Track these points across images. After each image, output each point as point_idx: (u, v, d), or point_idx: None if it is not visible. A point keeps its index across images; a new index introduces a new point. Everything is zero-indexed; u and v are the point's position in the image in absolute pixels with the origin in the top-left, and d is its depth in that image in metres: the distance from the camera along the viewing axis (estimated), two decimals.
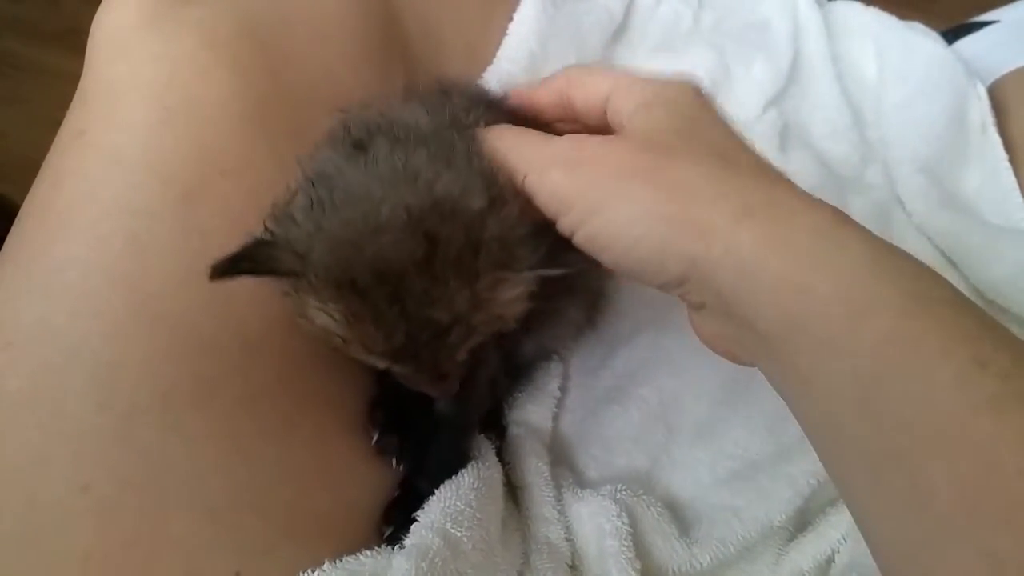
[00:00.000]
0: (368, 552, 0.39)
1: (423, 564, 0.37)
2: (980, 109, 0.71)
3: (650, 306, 0.58)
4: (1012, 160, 0.69)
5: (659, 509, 0.49)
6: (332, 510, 0.41)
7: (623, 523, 0.46)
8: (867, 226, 0.68)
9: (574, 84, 0.42)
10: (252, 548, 0.37)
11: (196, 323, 0.39)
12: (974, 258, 0.64)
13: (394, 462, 0.44)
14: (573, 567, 0.47)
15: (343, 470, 0.43)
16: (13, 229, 0.41)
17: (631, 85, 0.40)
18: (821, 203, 0.34)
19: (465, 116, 0.40)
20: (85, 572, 0.33)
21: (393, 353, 0.35)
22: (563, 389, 0.56)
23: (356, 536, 0.41)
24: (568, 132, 0.40)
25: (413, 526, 0.40)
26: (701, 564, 0.47)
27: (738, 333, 0.35)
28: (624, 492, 0.49)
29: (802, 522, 0.51)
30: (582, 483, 0.52)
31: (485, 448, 0.49)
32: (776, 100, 0.74)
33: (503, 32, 0.65)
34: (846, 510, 0.38)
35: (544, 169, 0.36)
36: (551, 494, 0.49)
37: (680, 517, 0.50)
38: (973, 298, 0.63)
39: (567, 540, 0.47)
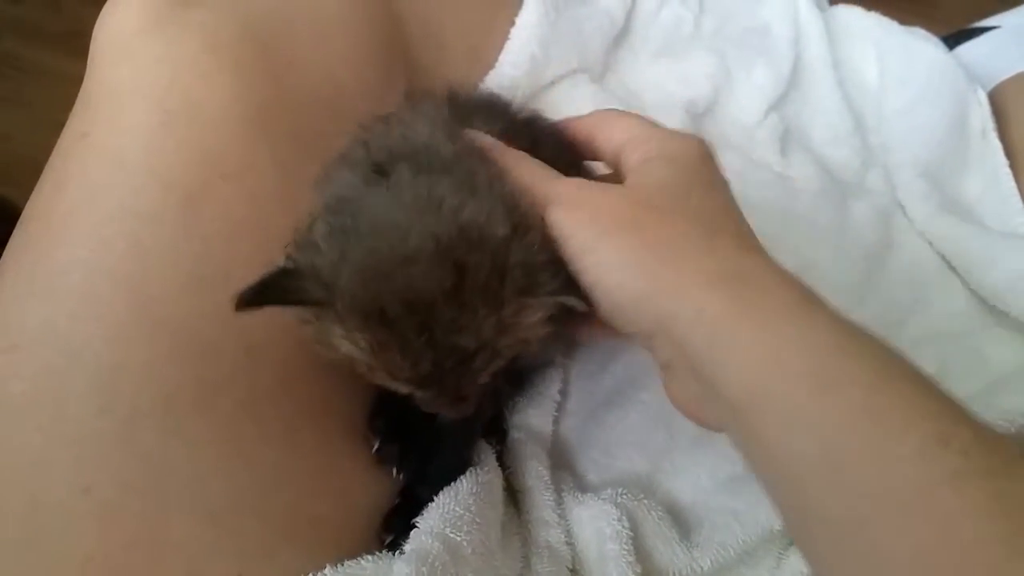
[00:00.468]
0: (368, 557, 0.39)
1: (423, 569, 0.37)
2: (981, 114, 0.71)
3: None
4: (1012, 165, 0.69)
5: (660, 513, 0.49)
6: (333, 515, 0.41)
7: (624, 527, 0.46)
8: (868, 231, 0.69)
9: (600, 125, 0.44)
10: (253, 552, 0.37)
11: (198, 327, 0.39)
12: (974, 263, 0.64)
13: (394, 471, 0.44)
14: (573, 571, 0.47)
15: (344, 475, 0.43)
16: (16, 231, 0.41)
17: (643, 138, 0.41)
18: (793, 278, 0.35)
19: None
20: (86, 574, 0.33)
21: (418, 380, 0.36)
22: (564, 393, 0.56)
23: (356, 541, 0.41)
24: None
25: (413, 532, 0.40)
26: (702, 568, 0.47)
27: (702, 396, 0.37)
28: (625, 496, 0.49)
29: None
30: (582, 487, 0.52)
31: (485, 453, 0.49)
32: (777, 105, 0.75)
33: (505, 36, 0.65)
34: None
35: (548, 205, 0.37)
36: (551, 498, 0.49)
37: (681, 521, 0.50)
38: (974, 303, 0.64)
39: (567, 544, 0.47)
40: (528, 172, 0.39)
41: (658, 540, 0.48)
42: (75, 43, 0.54)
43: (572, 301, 0.36)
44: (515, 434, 0.53)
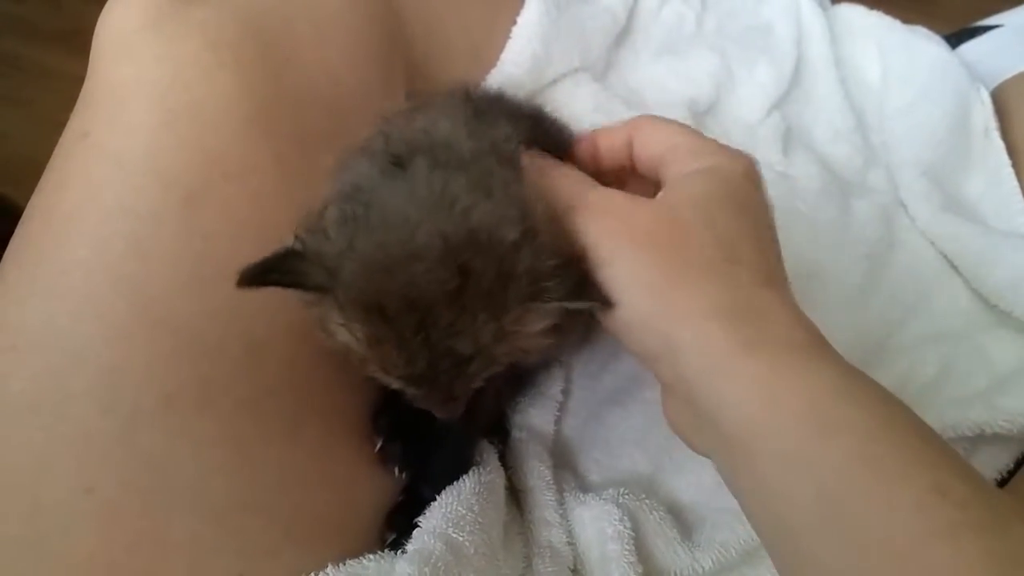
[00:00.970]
0: (371, 556, 0.39)
1: (426, 569, 0.37)
2: (983, 113, 0.71)
3: None
4: (1014, 164, 0.69)
5: (661, 513, 0.49)
6: (335, 514, 0.41)
7: (625, 527, 0.46)
8: (870, 230, 0.69)
9: (640, 132, 0.43)
10: (255, 551, 0.37)
11: (199, 326, 0.39)
12: (976, 262, 0.64)
13: (396, 470, 0.44)
14: (575, 571, 0.47)
15: (346, 474, 0.43)
16: (17, 231, 0.41)
17: (688, 148, 0.40)
18: (804, 318, 0.35)
19: (506, 144, 0.40)
20: (89, 574, 0.33)
21: (411, 377, 0.35)
22: (565, 393, 0.56)
23: (359, 540, 0.41)
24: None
25: (415, 531, 0.40)
26: (703, 568, 0.47)
27: (697, 423, 0.36)
28: (626, 496, 0.49)
29: None
30: (584, 487, 0.52)
31: (487, 453, 0.49)
32: (779, 103, 0.74)
33: (506, 34, 0.65)
34: None
35: (577, 210, 0.37)
36: (553, 498, 0.49)
37: (682, 521, 0.50)
38: (975, 302, 0.64)
39: (569, 544, 0.47)
40: (564, 177, 0.39)
41: (659, 540, 0.48)
42: (75, 41, 0.54)
43: (576, 306, 0.35)
44: (517, 434, 0.53)
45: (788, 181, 0.69)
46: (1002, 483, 0.53)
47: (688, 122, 0.70)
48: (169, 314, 0.38)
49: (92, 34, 0.44)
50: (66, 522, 0.34)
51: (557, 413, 0.55)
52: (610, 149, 0.45)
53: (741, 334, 0.33)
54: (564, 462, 0.54)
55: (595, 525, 0.47)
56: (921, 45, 0.76)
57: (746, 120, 0.73)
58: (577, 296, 0.35)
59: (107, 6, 0.44)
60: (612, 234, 0.36)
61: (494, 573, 0.41)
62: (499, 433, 0.53)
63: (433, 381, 0.35)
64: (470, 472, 0.45)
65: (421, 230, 0.33)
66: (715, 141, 0.41)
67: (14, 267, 0.40)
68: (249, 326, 0.40)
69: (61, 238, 0.39)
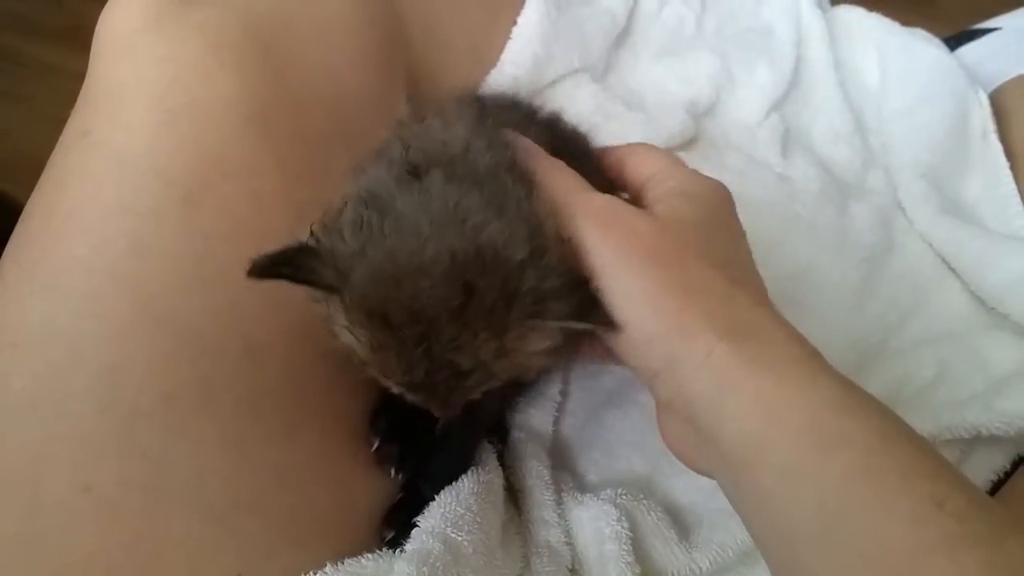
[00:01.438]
0: (369, 555, 0.39)
1: (424, 568, 0.37)
2: (981, 116, 0.71)
3: None
4: (1013, 167, 0.69)
5: (659, 513, 0.49)
6: (333, 513, 0.41)
7: (623, 527, 0.46)
8: (868, 232, 0.69)
9: (632, 156, 0.45)
10: (253, 550, 0.37)
11: (199, 325, 0.39)
12: (974, 264, 0.64)
13: (393, 471, 0.44)
14: (573, 571, 0.47)
15: (345, 474, 0.43)
16: (17, 229, 0.41)
17: (668, 173, 0.42)
18: (800, 336, 0.36)
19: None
20: (87, 573, 0.33)
21: (409, 384, 0.36)
22: (564, 393, 0.56)
23: (357, 539, 0.41)
24: None
25: (414, 531, 0.40)
26: (700, 568, 0.47)
27: (697, 441, 0.37)
28: (624, 496, 0.49)
29: None
30: (582, 487, 0.52)
31: (486, 452, 0.49)
32: (779, 105, 0.75)
33: (507, 35, 0.65)
34: None
35: (576, 217, 0.37)
36: (551, 498, 0.49)
37: (680, 521, 0.50)
38: (973, 305, 0.64)
39: (567, 544, 0.47)
40: (562, 181, 0.39)
41: (657, 540, 0.48)
42: (76, 38, 0.54)
43: (580, 326, 0.36)
44: (516, 434, 0.53)
45: (787, 183, 0.69)
46: (998, 485, 0.53)
47: (687, 124, 0.71)
48: (169, 313, 0.38)
49: (93, 31, 0.44)
50: (65, 521, 0.34)
51: (556, 413, 0.55)
52: (607, 165, 0.46)
53: (745, 351, 0.34)
54: (562, 462, 0.54)
55: (593, 525, 0.47)
56: (920, 47, 0.76)
57: (745, 121, 0.74)
58: (581, 316, 0.35)
59: (108, 5, 0.44)
60: (615, 244, 0.36)
61: (492, 573, 0.41)
62: (498, 433, 0.53)
63: (431, 390, 0.36)
64: (469, 472, 0.45)
65: (431, 244, 0.34)
66: (688, 168, 0.43)
67: (14, 265, 0.40)
68: (249, 326, 0.40)
69: (61, 236, 0.39)
